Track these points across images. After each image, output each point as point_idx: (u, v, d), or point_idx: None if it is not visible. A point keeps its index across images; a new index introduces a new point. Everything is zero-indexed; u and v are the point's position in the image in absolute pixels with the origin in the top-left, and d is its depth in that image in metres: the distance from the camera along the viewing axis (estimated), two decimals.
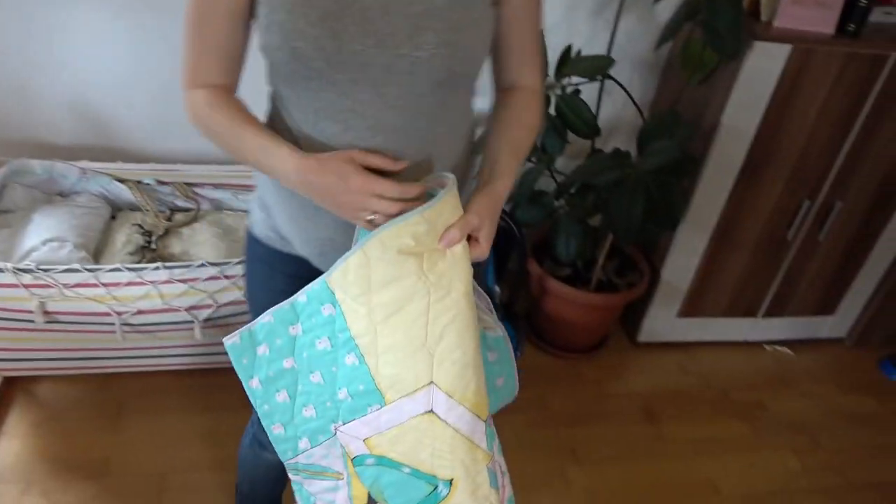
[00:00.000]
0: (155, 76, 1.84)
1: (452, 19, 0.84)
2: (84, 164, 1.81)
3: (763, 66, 1.73)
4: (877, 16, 1.93)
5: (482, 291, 1.00)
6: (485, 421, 0.90)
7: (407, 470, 0.90)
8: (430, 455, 0.89)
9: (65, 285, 1.45)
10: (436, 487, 0.90)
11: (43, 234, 1.63)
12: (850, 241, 2.14)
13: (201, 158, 1.96)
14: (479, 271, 1.07)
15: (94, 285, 1.46)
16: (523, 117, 0.99)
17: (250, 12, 0.88)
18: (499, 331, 1.03)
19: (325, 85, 0.86)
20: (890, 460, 2.02)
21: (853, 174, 1.98)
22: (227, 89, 0.95)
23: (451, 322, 0.86)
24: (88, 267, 1.44)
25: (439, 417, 0.87)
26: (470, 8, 0.86)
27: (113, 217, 1.84)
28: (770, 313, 2.28)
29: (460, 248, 0.86)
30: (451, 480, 0.90)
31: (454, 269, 0.86)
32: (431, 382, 0.87)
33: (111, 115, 1.89)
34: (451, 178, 0.86)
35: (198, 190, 1.85)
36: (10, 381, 1.81)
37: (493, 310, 1.03)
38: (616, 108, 2.12)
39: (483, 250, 0.89)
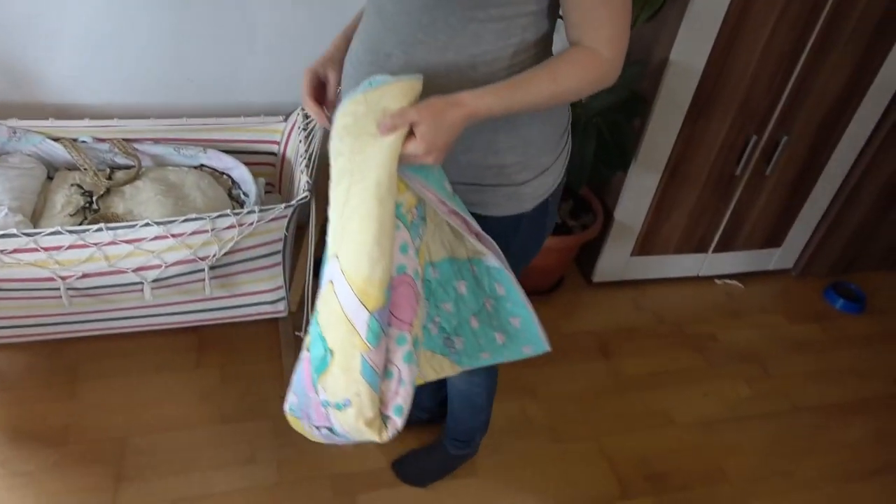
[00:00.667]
0: (80, 21, 1.73)
1: None
2: (13, 122, 1.72)
3: (707, 5, 1.72)
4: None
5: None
6: (371, 313, 0.90)
7: (317, 329, 0.97)
8: (326, 320, 0.95)
9: (2, 251, 1.39)
10: (326, 351, 0.95)
11: None
12: (796, 174, 2.19)
13: (139, 112, 1.88)
14: None
15: (35, 250, 1.40)
16: (554, 63, 0.94)
17: None
18: (495, 261, 1.05)
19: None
20: (832, 383, 2.13)
21: (798, 109, 2.00)
22: None
23: (357, 207, 0.89)
24: (26, 231, 1.38)
25: (334, 288, 0.92)
26: None
27: (50, 178, 1.76)
28: (720, 248, 2.34)
29: (391, 138, 0.87)
30: (332, 350, 0.94)
31: (377, 158, 0.88)
32: (336, 255, 0.92)
33: (37, 68, 1.78)
34: (416, 77, 0.90)
35: (138, 146, 1.78)
36: None
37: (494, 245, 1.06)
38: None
39: (417, 147, 0.87)
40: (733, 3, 1.72)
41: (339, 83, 1.14)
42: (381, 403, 0.97)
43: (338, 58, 1.13)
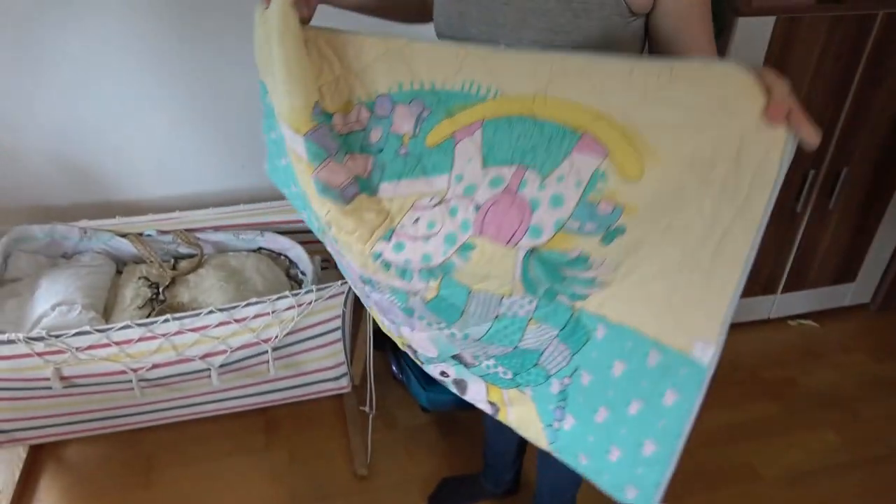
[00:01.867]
0: (137, 123, 1.84)
1: (555, 21, 0.92)
2: (84, 223, 1.81)
3: (750, 40, 1.70)
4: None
5: None
6: (304, 136, 0.99)
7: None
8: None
9: (77, 349, 1.45)
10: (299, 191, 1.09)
11: (51, 298, 1.63)
12: (861, 206, 2.10)
13: (199, 201, 1.96)
14: None
15: (107, 345, 1.46)
16: None
17: None
18: (706, 356, 0.86)
19: None
20: None
21: (855, 137, 1.94)
22: None
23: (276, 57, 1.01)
24: (99, 328, 1.43)
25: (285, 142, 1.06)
26: (581, 16, 0.92)
27: (119, 272, 1.84)
28: (790, 288, 2.24)
29: None
30: (303, 191, 1.07)
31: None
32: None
33: (101, 169, 1.89)
34: None
35: (199, 235, 1.85)
36: (37, 449, 1.81)
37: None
38: None
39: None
40: (774, 38, 1.70)
41: (304, 21, 1.03)
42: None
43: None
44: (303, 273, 1.84)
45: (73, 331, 1.44)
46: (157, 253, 1.83)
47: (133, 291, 1.73)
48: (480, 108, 0.92)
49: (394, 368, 2.00)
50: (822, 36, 1.74)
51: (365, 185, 1.03)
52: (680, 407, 0.88)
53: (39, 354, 1.45)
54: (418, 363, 1.20)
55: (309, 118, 0.99)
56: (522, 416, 1.09)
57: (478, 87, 0.92)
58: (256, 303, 1.48)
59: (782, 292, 2.24)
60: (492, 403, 1.13)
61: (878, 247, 2.22)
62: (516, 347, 1.02)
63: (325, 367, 1.71)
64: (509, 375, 1.07)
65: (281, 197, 1.94)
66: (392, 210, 1.02)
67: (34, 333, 1.44)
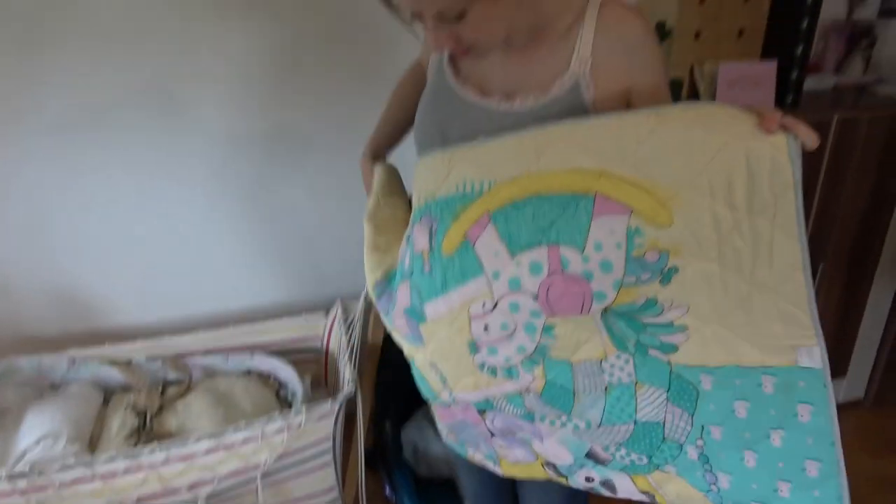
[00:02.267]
0: (131, 252, 1.88)
1: None
2: (73, 352, 1.81)
3: None
4: (810, 84, 2.04)
5: None
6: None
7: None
8: None
9: (61, 484, 1.41)
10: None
11: (36, 431, 1.60)
12: (843, 299, 2.14)
13: (188, 324, 1.97)
14: None
15: (91, 479, 1.42)
16: None
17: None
18: (814, 360, 0.87)
19: None
20: None
21: (828, 234, 2.01)
22: None
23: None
24: (82, 461, 1.40)
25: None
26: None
27: (106, 401, 1.82)
28: None
29: None
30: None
31: None
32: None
33: (94, 298, 1.91)
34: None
35: (188, 359, 1.84)
36: None
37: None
38: None
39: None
40: None
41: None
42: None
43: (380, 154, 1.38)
44: (292, 394, 1.82)
45: (58, 465, 1.40)
46: (145, 380, 1.81)
47: (120, 421, 1.70)
48: (481, 202, 0.95)
49: (387, 490, 1.94)
50: None
51: (415, 314, 1.08)
52: (819, 417, 0.87)
53: (21, 492, 1.41)
54: (563, 482, 1.16)
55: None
56: (680, 491, 1.05)
57: (471, 184, 0.96)
58: (245, 427, 1.46)
59: None
60: (645, 493, 1.10)
61: (863, 340, 2.23)
62: (636, 422, 1.00)
63: (315, 493, 1.66)
64: (645, 460, 1.03)
65: (271, 317, 1.97)
66: (451, 330, 1.04)
67: (16, 469, 1.41)
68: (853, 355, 2.25)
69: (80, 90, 1.67)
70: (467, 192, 0.96)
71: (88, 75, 1.66)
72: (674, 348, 0.93)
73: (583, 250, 0.90)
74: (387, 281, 1.17)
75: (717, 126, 0.82)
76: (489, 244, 0.95)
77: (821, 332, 0.86)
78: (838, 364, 2.26)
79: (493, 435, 1.17)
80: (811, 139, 0.80)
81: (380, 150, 1.38)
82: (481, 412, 1.14)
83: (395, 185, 1.27)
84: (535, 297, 0.95)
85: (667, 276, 0.89)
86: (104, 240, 1.85)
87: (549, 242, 0.91)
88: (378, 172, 1.28)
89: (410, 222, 1.09)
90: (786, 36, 1.84)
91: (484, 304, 0.99)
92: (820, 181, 1.91)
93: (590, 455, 1.09)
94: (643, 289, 0.90)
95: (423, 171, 1.05)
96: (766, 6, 1.86)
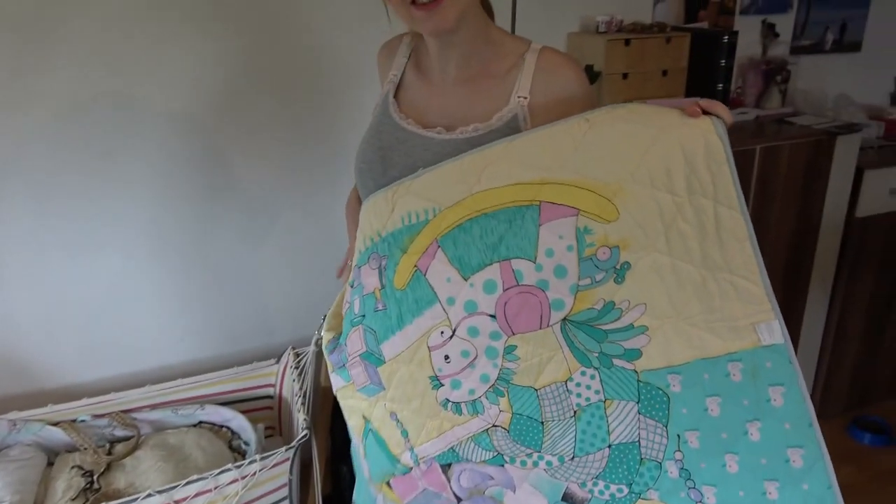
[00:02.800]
0: (74, 308, 1.84)
1: None
2: (13, 415, 1.74)
3: None
4: (734, 117, 2.15)
5: None
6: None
7: None
8: None
9: None
10: None
11: None
12: (780, 295, 2.23)
13: (135, 380, 1.92)
14: None
15: None
16: None
17: None
18: (775, 336, 0.87)
19: None
20: None
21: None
22: None
23: None
24: None
25: None
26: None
27: (50, 463, 1.75)
28: None
29: None
30: None
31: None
32: None
33: (33, 359, 1.86)
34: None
35: (136, 415, 1.79)
36: None
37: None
38: None
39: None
40: None
41: None
42: None
43: None
44: (246, 443, 1.79)
45: None
46: (91, 439, 1.76)
47: (65, 483, 1.64)
48: (427, 231, 0.96)
49: None
50: None
51: (372, 358, 1.06)
52: (791, 397, 0.86)
53: None
54: None
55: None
56: None
57: (416, 215, 0.97)
58: (197, 479, 1.43)
59: None
60: None
61: (802, 357, 2.32)
62: (610, 446, 0.97)
63: None
64: (625, 490, 1.00)
65: (220, 367, 1.94)
66: (412, 365, 1.04)
67: None
68: None
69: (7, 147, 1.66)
70: (413, 222, 0.97)
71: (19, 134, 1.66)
72: (637, 354, 0.93)
73: (534, 259, 0.91)
74: (338, 337, 1.17)
75: (646, 120, 0.87)
76: (441, 271, 0.96)
77: (777, 305, 0.87)
78: None
79: (459, 500, 1.11)
80: (727, 115, 0.87)
81: None
82: (446, 468, 1.09)
83: None
84: (494, 317, 0.96)
85: (620, 274, 0.90)
86: (41, 298, 1.81)
87: (500, 258, 0.93)
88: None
89: (354, 266, 1.09)
90: (707, 74, 1.96)
91: (442, 333, 0.99)
92: (749, 207, 2.01)
93: (566, 497, 1.06)
94: (599, 290, 0.91)
95: (368, 214, 1.06)
96: (687, 48, 1.98)
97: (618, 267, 0.90)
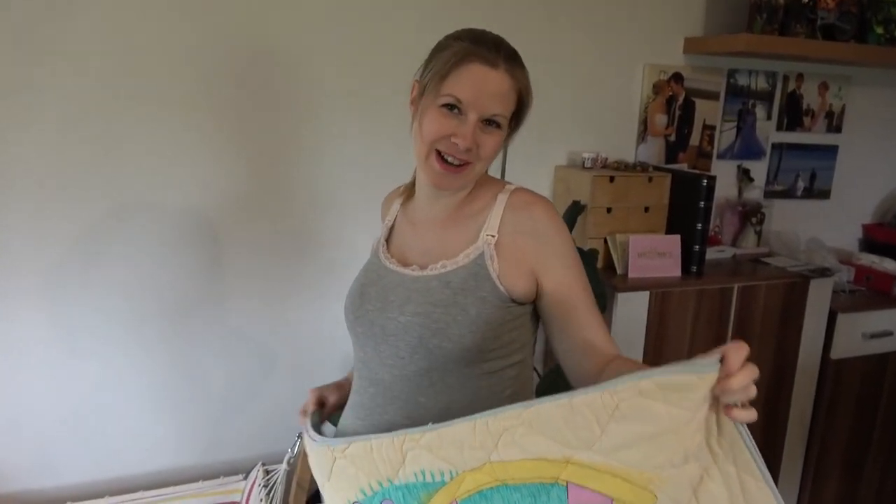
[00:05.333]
0: (27, 414, 1.77)
1: (435, 297, 1.03)
2: None
3: (630, 312, 1.92)
4: (711, 254, 2.24)
5: None
6: None
7: None
8: None
9: None
10: None
11: None
12: (763, 443, 2.21)
13: (96, 490, 1.83)
14: None
15: None
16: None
17: None
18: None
19: (353, 336, 1.14)
20: None
21: None
22: None
23: None
24: None
25: None
26: (459, 294, 1.02)
27: None
28: None
29: None
30: None
31: None
32: None
33: (16, 462, 1.78)
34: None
35: None
36: None
37: None
38: None
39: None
40: (651, 309, 1.93)
41: (336, 408, 1.25)
42: None
43: (346, 387, 1.24)
44: None
45: None
46: None
47: None
48: (446, 491, 0.91)
49: None
50: (692, 306, 1.98)
51: None
52: None
53: None
54: None
55: None
56: None
57: (432, 473, 0.91)
58: None
59: None
60: None
61: (784, 495, 2.28)
62: None
63: None
64: None
65: (215, 475, 1.86)
66: None
67: None
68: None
69: None
70: (428, 481, 0.92)
71: None
72: None
73: None
74: None
75: (678, 397, 0.77)
76: None
77: None
78: None
79: None
80: (746, 419, 0.79)
81: (327, 398, 1.27)
82: None
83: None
84: None
85: None
86: (27, 401, 1.75)
87: None
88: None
89: (358, 501, 1.02)
90: (686, 213, 2.05)
91: None
92: (728, 340, 2.04)
93: None
94: None
95: (371, 455, 0.98)
96: (668, 187, 2.08)
97: None
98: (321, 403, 1.23)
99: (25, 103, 1.61)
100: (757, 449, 0.80)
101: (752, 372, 0.76)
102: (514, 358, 1.07)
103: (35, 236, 1.68)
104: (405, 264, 1.12)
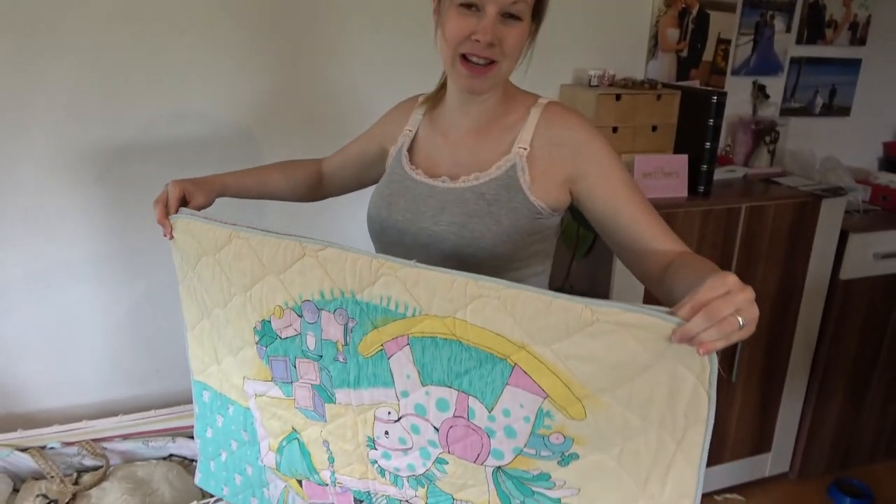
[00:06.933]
0: (43, 335, 1.83)
1: (470, 207, 1.06)
2: None
3: None
4: (722, 175, 2.18)
5: None
6: None
7: None
8: None
9: None
10: None
11: None
12: (762, 376, 2.22)
13: (107, 409, 1.90)
14: None
15: None
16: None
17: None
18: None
19: (378, 245, 1.16)
20: None
21: None
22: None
23: None
24: None
25: None
26: (493, 204, 1.05)
27: (16, 490, 1.72)
28: (711, 462, 2.27)
29: None
30: None
31: None
32: None
33: (3, 383, 1.84)
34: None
35: (106, 444, 1.77)
36: None
37: None
38: None
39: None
40: None
41: (200, 209, 1.17)
42: None
43: (213, 188, 1.20)
44: None
45: None
46: (59, 467, 1.73)
47: None
48: (402, 324, 0.94)
49: None
50: (698, 227, 1.95)
51: (323, 393, 1.07)
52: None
53: None
54: None
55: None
56: None
57: (395, 304, 0.94)
58: None
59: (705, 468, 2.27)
60: None
61: (784, 416, 2.31)
62: None
63: None
64: None
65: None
66: (357, 419, 1.05)
67: None
68: (776, 432, 2.32)
69: None
70: (391, 309, 0.95)
71: None
72: None
73: (490, 410, 0.91)
74: (264, 334, 1.10)
75: (651, 340, 0.78)
76: (403, 364, 0.96)
77: None
78: (762, 441, 2.33)
79: None
80: (752, 316, 0.79)
81: (223, 187, 1.23)
82: (358, 502, 1.13)
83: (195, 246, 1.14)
84: (437, 430, 0.97)
85: (566, 460, 0.89)
86: (11, 323, 1.80)
87: (460, 389, 0.92)
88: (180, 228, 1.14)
89: (314, 305, 1.04)
90: (695, 132, 1.99)
91: (389, 413, 1.01)
92: (733, 267, 2.02)
93: None
94: (540, 463, 0.91)
95: (345, 265, 1.00)
96: (677, 105, 2.01)
97: (566, 454, 0.90)
98: (184, 201, 1.16)
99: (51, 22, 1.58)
100: (710, 432, 0.82)
101: (717, 310, 0.74)
102: (536, 268, 1.12)
103: (65, 150, 1.69)
104: (433, 175, 1.13)
